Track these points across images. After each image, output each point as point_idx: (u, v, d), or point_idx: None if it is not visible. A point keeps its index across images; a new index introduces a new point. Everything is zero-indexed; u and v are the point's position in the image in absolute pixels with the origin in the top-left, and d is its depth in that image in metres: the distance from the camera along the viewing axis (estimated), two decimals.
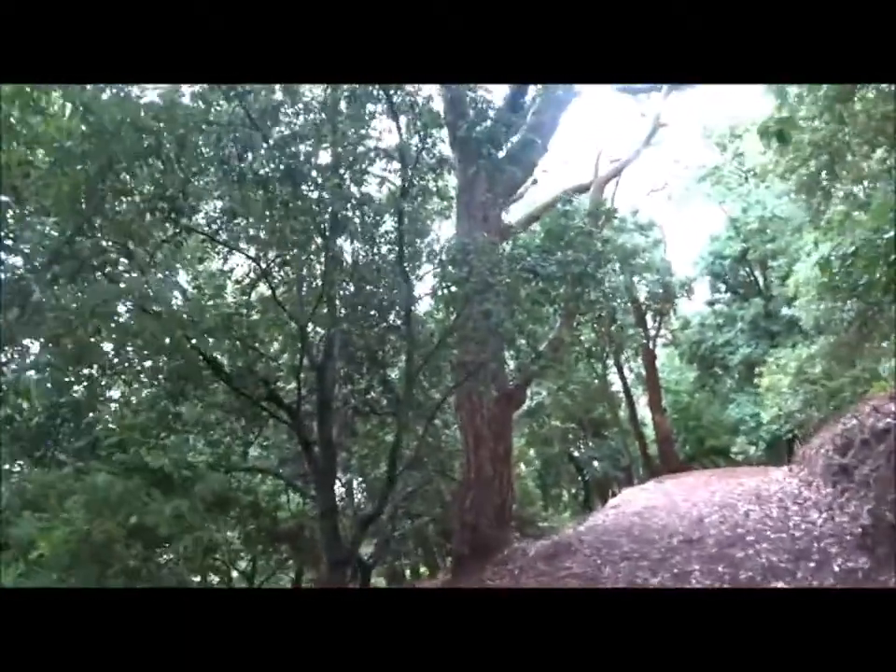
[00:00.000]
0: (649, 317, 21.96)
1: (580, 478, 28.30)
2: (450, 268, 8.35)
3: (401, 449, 11.32)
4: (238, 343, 9.59)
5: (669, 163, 25.66)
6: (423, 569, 16.67)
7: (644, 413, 25.83)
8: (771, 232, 22.16)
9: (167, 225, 8.14)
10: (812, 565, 6.32)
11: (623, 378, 23.20)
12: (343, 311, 11.05)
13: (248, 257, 9.38)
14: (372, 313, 11.22)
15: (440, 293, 8.60)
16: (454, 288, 8.37)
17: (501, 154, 10.73)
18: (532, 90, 12.01)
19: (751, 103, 16.76)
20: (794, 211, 22.33)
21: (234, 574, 13.85)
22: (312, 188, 8.91)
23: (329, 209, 9.27)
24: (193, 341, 8.31)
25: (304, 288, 10.34)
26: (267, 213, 9.08)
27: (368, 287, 10.45)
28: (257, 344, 9.80)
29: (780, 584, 6.13)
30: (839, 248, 12.36)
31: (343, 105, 9.20)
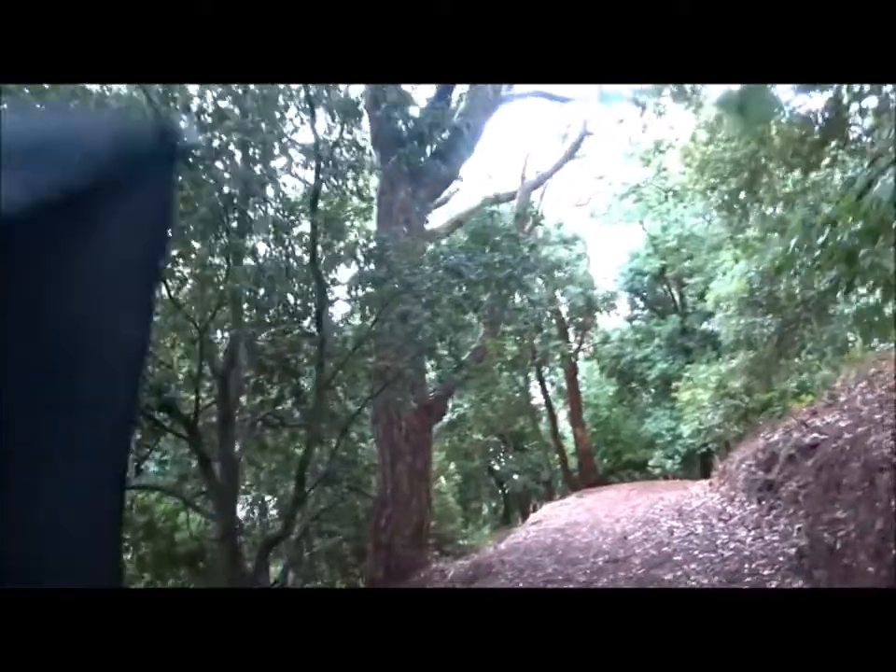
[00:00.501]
0: (570, 331, 21.75)
1: (500, 491, 27.89)
2: (368, 266, 7.62)
3: (312, 464, 10.49)
4: None
5: (593, 179, 25.69)
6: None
7: (564, 426, 25.68)
8: (688, 251, 22.42)
9: None
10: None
11: (544, 391, 22.91)
12: (251, 315, 10.16)
13: None
14: (285, 318, 10.38)
15: (353, 292, 7.85)
16: (370, 289, 7.64)
17: (426, 151, 10.12)
18: (458, 90, 11.48)
19: (674, 121, 16.68)
20: (711, 230, 22.78)
21: None
22: (214, 179, 8.04)
23: (234, 203, 8.44)
24: None
25: (210, 291, 9.40)
26: None
27: (277, 289, 9.59)
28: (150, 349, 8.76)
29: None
30: (760, 264, 12.32)
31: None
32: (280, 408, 11.25)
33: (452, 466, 22.02)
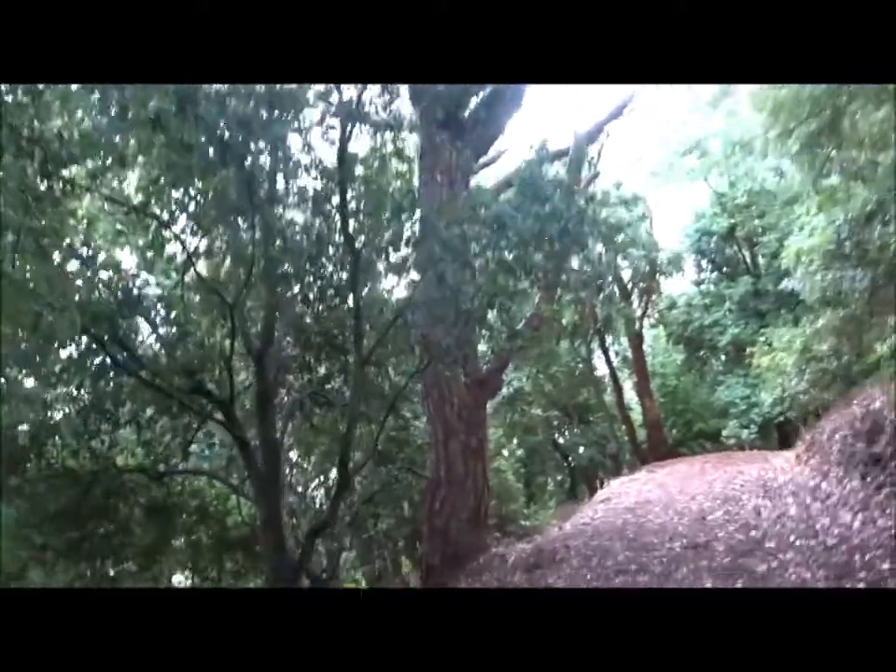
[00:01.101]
0: (634, 297, 20.39)
1: (565, 465, 26.90)
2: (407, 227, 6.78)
3: (361, 445, 9.80)
4: (160, 328, 8.01)
5: (651, 134, 24.02)
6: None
7: (630, 396, 24.42)
8: (759, 207, 20.70)
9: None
10: (861, 586, 4.81)
11: (608, 361, 21.67)
12: (291, 291, 9.45)
13: (161, 223, 7.65)
14: (330, 293, 9.64)
15: (391, 257, 7.02)
16: (405, 250, 6.80)
17: (470, 104, 9.16)
18: None
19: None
20: (784, 184, 20.96)
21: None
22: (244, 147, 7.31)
23: (266, 171, 7.71)
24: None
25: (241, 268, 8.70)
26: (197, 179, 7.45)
27: (316, 262, 8.82)
28: (174, 330, 8.14)
29: None
30: (848, 212, 10.89)
31: None
32: (329, 386, 10.62)
33: (514, 441, 21.11)
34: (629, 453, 23.32)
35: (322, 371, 10.59)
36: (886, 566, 5.00)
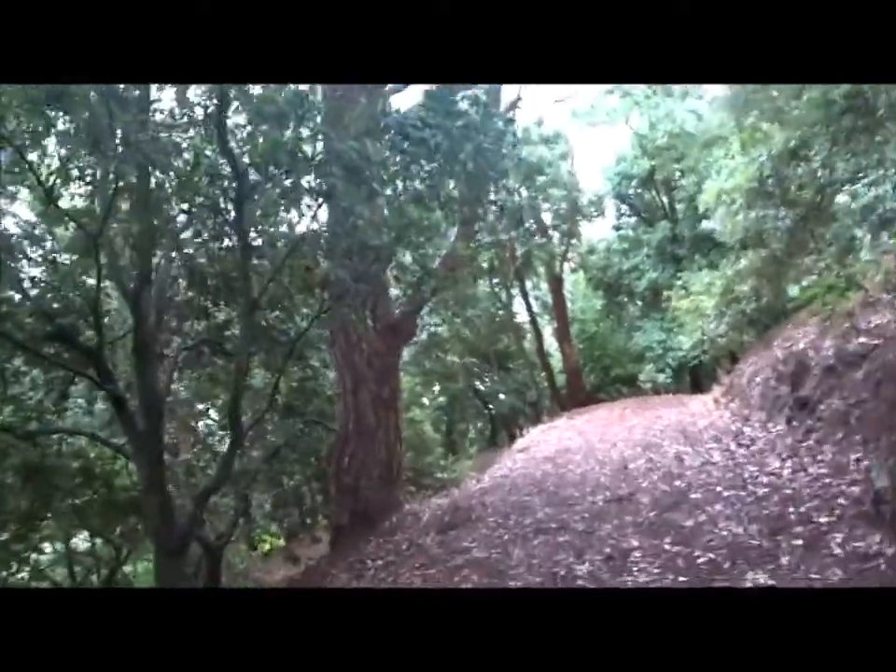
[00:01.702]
0: (555, 240, 19.86)
1: (486, 412, 26.69)
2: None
3: (257, 397, 8.89)
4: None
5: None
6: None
7: (550, 343, 24.23)
8: (679, 150, 20.35)
9: None
10: (799, 543, 4.36)
11: (528, 306, 21.20)
12: (177, 224, 8.27)
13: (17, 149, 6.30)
14: (227, 229, 8.50)
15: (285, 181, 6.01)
16: (308, 178, 5.83)
17: None
18: None
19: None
20: (702, 127, 20.69)
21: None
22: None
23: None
24: None
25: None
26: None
27: (210, 192, 7.65)
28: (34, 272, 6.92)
29: (760, 576, 4.14)
30: (772, 148, 10.48)
31: None
32: (229, 333, 9.58)
33: (428, 394, 20.50)
34: (549, 399, 23.23)
35: (222, 316, 9.56)
36: (824, 518, 4.58)
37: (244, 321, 6.64)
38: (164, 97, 7.76)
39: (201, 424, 11.76)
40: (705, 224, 14.62)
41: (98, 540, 11.89)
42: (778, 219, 9.98)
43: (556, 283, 20.59)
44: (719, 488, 6.04)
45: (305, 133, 6.12)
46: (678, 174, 21.32)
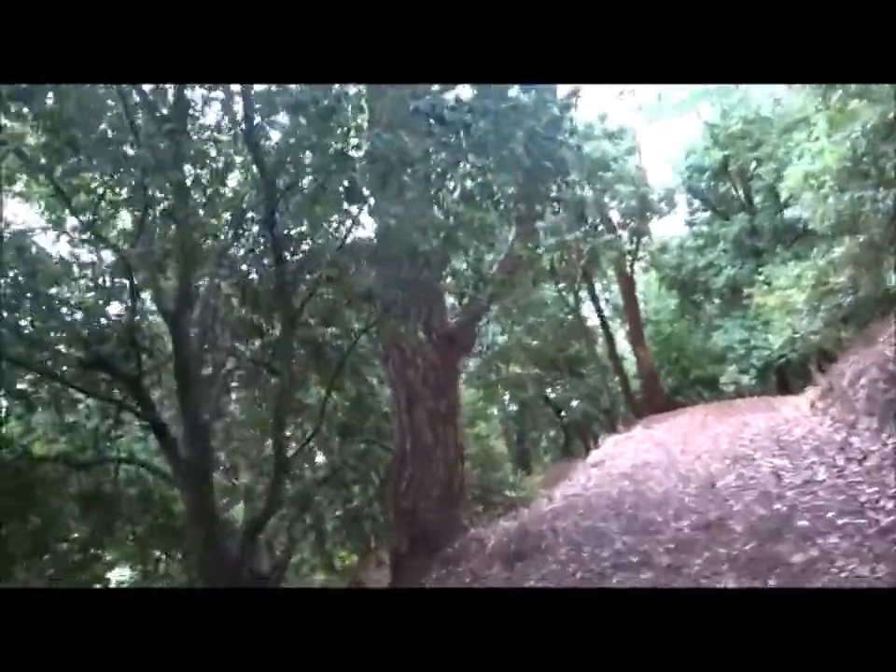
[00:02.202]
0: (625, 238, 18.77)
1: (558, 420, 25.73)
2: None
3: (287, 418, 8.36)
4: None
5: None
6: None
7: (623, 347, 23.09)
8: (755, 137, 18.99)
9: None
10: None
11: (598, 309, 20.16)
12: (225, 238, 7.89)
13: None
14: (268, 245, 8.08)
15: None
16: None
17: None
18: None
19: None
20: (781, 111, 19.28)
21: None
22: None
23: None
24: None
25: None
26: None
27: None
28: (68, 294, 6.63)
29: None
30: (866, 124, 9.33)
31: None
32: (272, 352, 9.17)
33: (502, 401, 19.71)
34: (623, 404, 22.09)
35: (272, 336, 9.17)
36: None
37: (283, 337, 6.14)
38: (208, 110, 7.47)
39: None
40: (788, 213, 13.36)
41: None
42: (877, 201, 8.82)
43: (627, 283, 19.51)
44: (830, 514, 5.09)
45: (340, 131, 5.56)
46: (754, 163, 19.93)
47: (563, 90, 10.28)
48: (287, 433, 9.19)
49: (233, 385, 10.03)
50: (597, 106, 16.57)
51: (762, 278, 18.01)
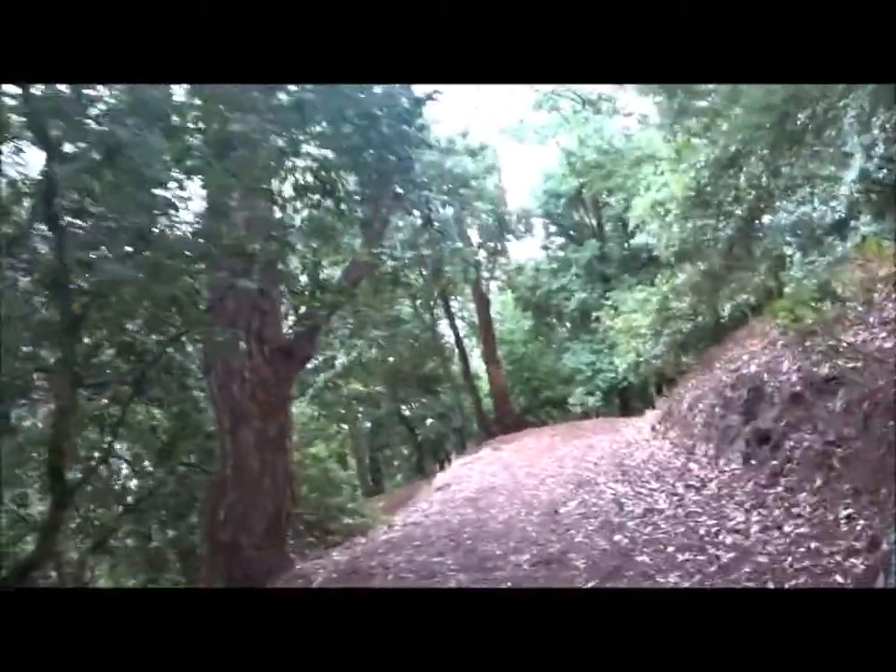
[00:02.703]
0: (481, 257, 18.65)
1: (413, 437, 25.24)
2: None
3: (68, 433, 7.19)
4: None
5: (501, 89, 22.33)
6: None
7: (477, 364, 23.06)
8: (608, 168, 19.65)
9: None
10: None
11: (453, 326, 19.86)
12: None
13: None
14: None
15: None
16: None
17: None
18: None
19: None
20: (631, 145, 20.14)
21: None
22: None
23: None
24: None
25: None
26: None
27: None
28: None
29: None
30: (709, 156, 9.61)
31: None
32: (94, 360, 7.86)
33: (349, 422, 18.83)
34: (476, 423, 21.98)
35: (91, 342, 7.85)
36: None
37: (66, 342, 5.04)
38: None
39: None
40: (634, 241, 13.77)
41: None
42: (717, 230, 9.06)
43: (483, 303, 19.42)
44: (670, 548, 4.80)
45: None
46: (605, 192, 20.65)
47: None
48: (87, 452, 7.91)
49: (36, 397, 8.57)
50: (459, 123, 16.34)
51: (609, 303, 18.61)
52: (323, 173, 5.76)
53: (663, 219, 10.48)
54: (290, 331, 7.54)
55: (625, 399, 22.08)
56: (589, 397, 19.83)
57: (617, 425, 13.64)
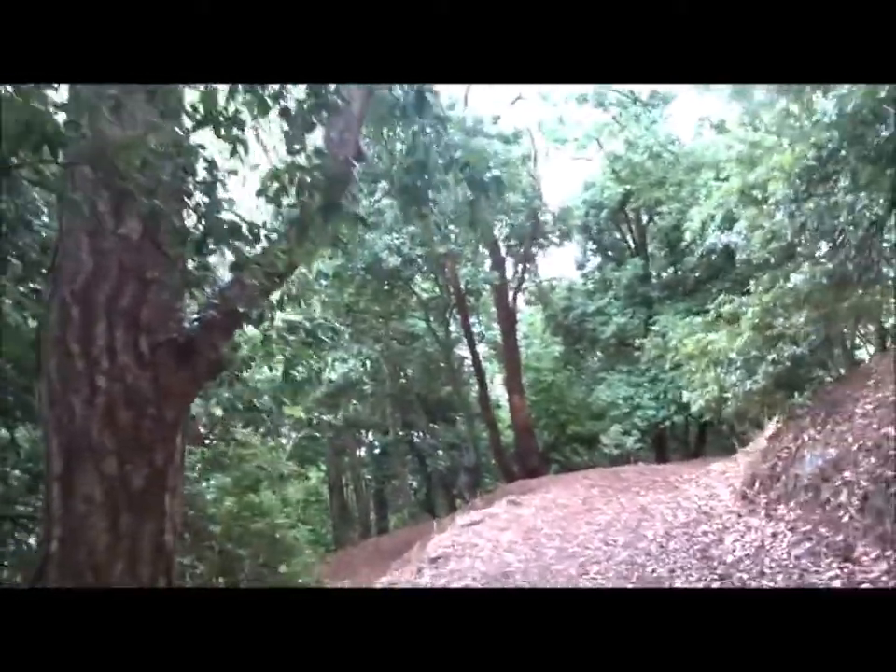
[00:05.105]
0: (509, 264, 15.55)
1: (422, 469, 22.19)
2: None
3: None
4: None
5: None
6: None
7: (500, 392, 19.98)
8: (658, 173, 16.63)
9: None
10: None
11: (471, 344, 16.66)
12: None
13: None
14: None
15: None
16: None
17: None
18: None
19: None
20: (686, 149, 17.21)
21: None
22: None
23: None
24: None
25: None
26: None
27: None
28: None
29: None
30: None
31: None
32: None
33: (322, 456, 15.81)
34: (493, 457, 18.82)
35: None
36: None
37: None
38: None
39: None
40: (723, 236, 10.90)
41: None
42: (855, 210, 5.99)
43: (509, 320, 16.36)
44: None
45: None
46: (654, 202, 17.59)
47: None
48: None
49: None
50: (491, 109, 13.64)
51: (656, 328, 15.53)
52: None
53: (759, 206, 7.42)
54: (188, 325, 4.60)
55: (660, 438, 18.90)
56: (627, 437, 16.66)
57: (668, 476, 10.49)
